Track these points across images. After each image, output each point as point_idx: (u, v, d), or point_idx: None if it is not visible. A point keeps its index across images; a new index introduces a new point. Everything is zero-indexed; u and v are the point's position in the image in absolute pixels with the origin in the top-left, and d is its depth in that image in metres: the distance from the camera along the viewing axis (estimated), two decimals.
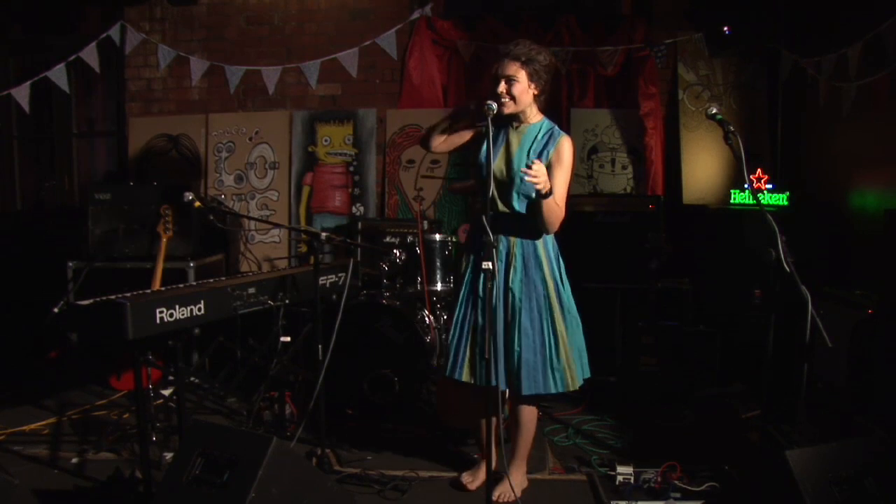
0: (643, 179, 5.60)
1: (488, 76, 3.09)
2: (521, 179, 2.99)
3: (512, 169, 3.05)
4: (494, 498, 3.14)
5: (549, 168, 2.98)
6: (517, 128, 3.11)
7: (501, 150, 3.09)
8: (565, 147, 3.03)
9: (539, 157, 3.00)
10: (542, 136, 3.06)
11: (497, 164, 3.07)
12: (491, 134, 2.78)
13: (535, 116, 3.10)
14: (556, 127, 3.10)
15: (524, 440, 3.29)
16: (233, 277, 3.64)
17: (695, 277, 4.93)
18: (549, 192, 2.89)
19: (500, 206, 3.09)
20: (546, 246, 3.13)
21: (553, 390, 3.11)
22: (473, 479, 3.34)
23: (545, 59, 3.02)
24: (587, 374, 3.23)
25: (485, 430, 3.02)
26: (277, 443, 2.60)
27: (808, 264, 3.06)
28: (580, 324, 3.21)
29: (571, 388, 3.14)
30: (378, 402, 4.09)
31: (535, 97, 3.05)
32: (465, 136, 3.22)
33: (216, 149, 6.02)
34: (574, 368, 3.14)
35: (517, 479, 3.28)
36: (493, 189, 3.02)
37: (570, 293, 3.18)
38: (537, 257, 3.10)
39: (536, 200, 2.92)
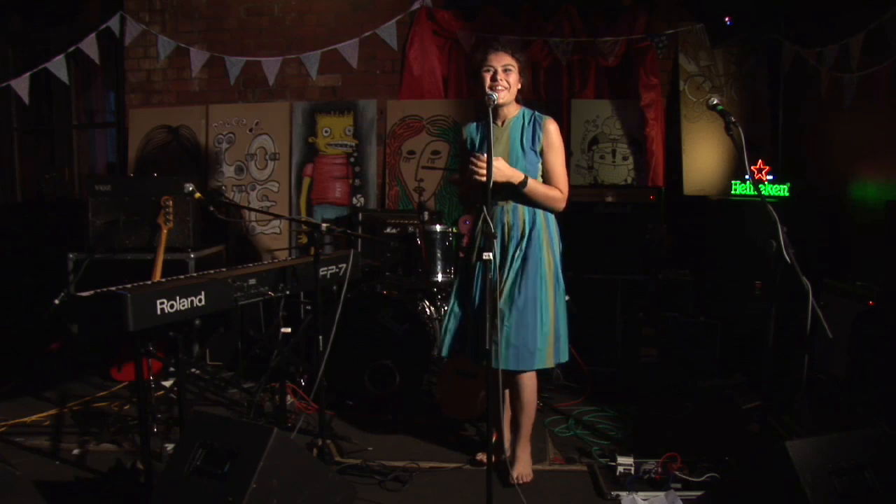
0: (644, 170, 5.59)
1: (476, 71, 3.14)
2: (524, 168, 3.12)
3: (510, 162, 3.13)
4: (513, 480, 3.23)
5: (542, 153, 3.16)
6: (502, 124, 3.20)
7: (493, 148, 3.09)
8: (552, 130, 3.18)
9: (532, 143, 3.15)
10: (529, 124, 3.19)
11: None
12: (490, 128, 2.83)
13: (515, 108, 3.22)
14: (536, 112, 3.22)
15: (528, 417, 3.31)
16: (233, 269, 3.64)
17: (696, 268, 4.93)
18: (524, 182, 3.08)
19: (507, 199, 3.17)
20: (550, 230, 3.21)
21: (539, 365, 3.17)
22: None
23: (525, 57, 3.21)
24: (565, 358, 3.27)
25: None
26: (278, 434, 2.61)
27: (808, 255, 3.07)
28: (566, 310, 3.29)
29: (549, 365, 3.20)
30: (379, 392, 4.09)
31: (518, 90, 3.17)
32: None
33: (217, 140, 6.01)
34: (553, 347, 3.19)
35: (526, 457, 3.35)
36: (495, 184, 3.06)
37: (562, 276, 3.26)
38: (549, 240, 3.18)
39: (520, 192, 3.10)
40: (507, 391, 3.35)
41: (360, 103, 5.93)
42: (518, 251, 3.15)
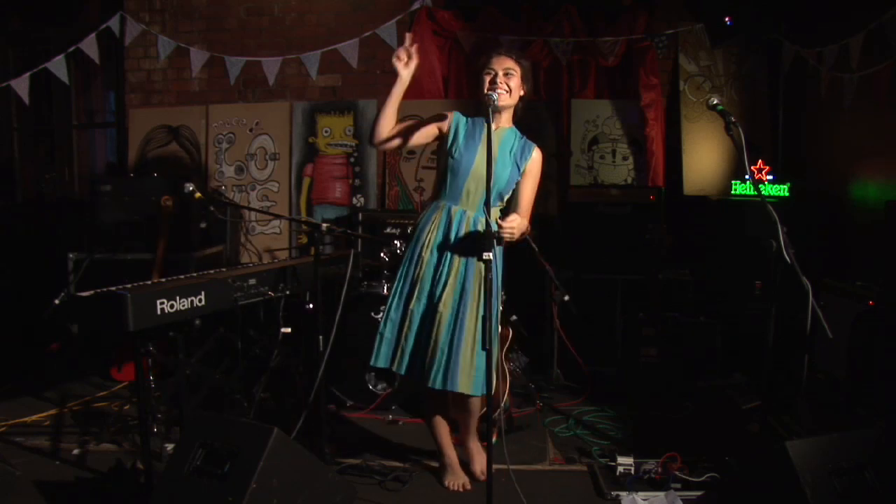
0: (644, 170, 5.59)
1: (478, 72, 3.11)
2: (505, 179, 3.08)
3: (497, 169, 3.04)
4: (479, 475, 3.26)
5: (523, 176, 3.13)
6: (495, 129, 3.09)
7: (480, 149, 3.08)
8: (538, 159, 3.16)
9: (519, 158, 3.11)
10: (519, 142, 3.15)
11: (476, 163, 3.07)
12: (490, 126, 2.76)
13: (509, 121, 3.17)
14: (526, 138, 3.18)
15: (474, 418, 3.30)
16: (233, 268, 3.64)
17: (696, 268, 4.94)
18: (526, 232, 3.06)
19: (472, 203, 3.10)
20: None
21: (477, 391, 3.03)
22: (463, 479, 3.30)
23: (529, 64, 3.14)
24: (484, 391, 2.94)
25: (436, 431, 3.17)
26: (278, 434, 2.61)
27: (808, 255, 3.06)
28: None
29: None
30: (379, 392, 4.09)
31: (519, 98, 3.12)
32: (429, 131, 3.21)
33: (216, 140, 6.01)
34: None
35: (480, 449, 3.38)
36: (468, 184, 3.07)
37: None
38: (501, 253, 3.10)
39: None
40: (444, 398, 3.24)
41: (360, 103, 5.93)
42: (468, 263, 3.05)
